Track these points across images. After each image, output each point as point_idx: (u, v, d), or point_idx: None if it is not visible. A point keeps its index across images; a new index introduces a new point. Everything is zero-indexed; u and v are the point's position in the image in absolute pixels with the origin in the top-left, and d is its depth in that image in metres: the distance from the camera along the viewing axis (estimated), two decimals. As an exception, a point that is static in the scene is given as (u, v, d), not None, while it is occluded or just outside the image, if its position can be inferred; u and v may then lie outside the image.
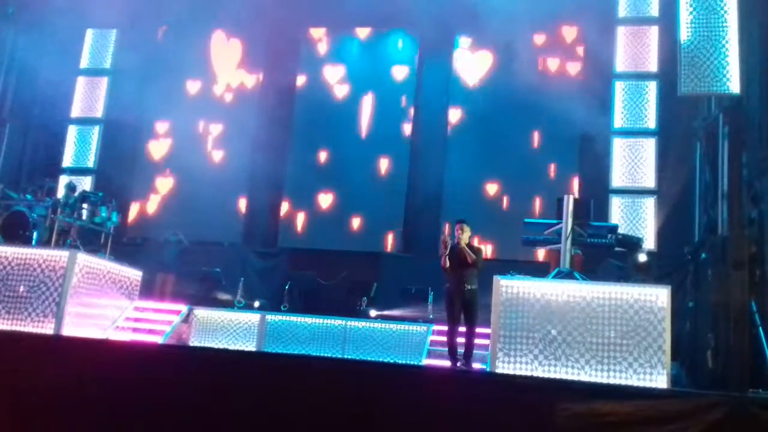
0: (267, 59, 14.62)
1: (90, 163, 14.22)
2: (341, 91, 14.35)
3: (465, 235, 8.04)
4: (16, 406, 6.73)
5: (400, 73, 14.21)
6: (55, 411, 6.68)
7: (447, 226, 8.08)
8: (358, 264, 12.52)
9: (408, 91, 14.04)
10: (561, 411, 6.14)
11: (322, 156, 14.04)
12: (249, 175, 14.00)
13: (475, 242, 8.52)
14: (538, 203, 12.76)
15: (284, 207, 14.04)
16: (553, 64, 13.43)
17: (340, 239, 13.35)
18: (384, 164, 13.75)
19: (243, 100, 14.52)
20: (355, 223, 13.58)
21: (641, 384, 7.23)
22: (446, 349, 8.18)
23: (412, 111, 13.92)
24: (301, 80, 14.57)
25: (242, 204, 14.08)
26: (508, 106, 13.13)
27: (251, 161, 13.89)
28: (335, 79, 14.41)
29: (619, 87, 12.32)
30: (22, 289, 9.11)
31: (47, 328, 8.84)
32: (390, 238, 13.36)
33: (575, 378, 7.38)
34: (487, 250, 12.34)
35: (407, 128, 13.85)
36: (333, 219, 13.63)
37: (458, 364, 7.93)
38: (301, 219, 13.91)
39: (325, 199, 13.84)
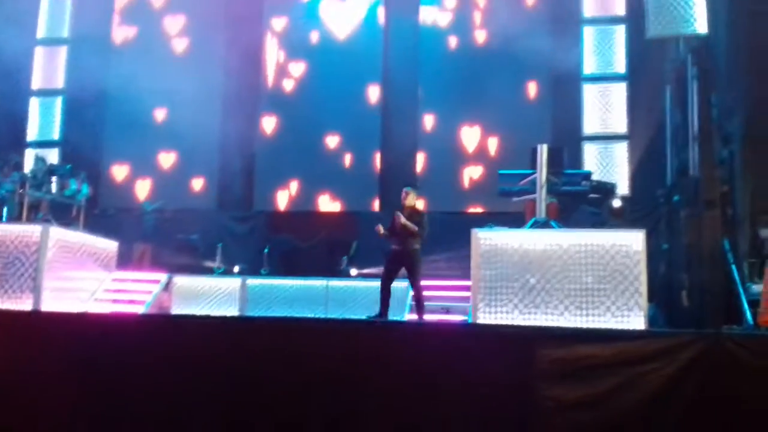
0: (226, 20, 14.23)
1: (55, 135, 13.89)
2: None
3: (409, 200, 8.37)
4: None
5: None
6: (38, 386, 6.67)
7: (380, 227, 8.35)
8: (336, 224, 12.51)
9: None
10: (543, 356, 6.29)
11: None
12: (220, 138, 13.79)
13: (420, 206, 8.66)
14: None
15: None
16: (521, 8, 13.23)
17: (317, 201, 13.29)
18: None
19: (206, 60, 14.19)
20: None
21: (619, 326, 7.38)
22: (426, 303, 8.30)
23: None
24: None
25: (215, 168, 13.87)
26: (478, 55, 12.97)
27: (222, 123, 13.67)
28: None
29: (588, 32, 12.26)
30: (-4, 266, 8.96)
31: (25, 305, 8.73)
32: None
33: (555, 324, 7.51)
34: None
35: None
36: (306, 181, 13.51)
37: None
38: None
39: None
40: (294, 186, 13.61)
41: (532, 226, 8.23)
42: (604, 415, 6.08)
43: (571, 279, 7.68)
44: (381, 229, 8.34)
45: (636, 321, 7.44)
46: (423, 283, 9.42)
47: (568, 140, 11.48)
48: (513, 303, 7.78)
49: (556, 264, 7.72)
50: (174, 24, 14.40)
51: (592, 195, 9.03)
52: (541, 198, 8.35)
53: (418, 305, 8.29)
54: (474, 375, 6.25)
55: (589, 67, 12.20)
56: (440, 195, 12.81)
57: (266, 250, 11.70)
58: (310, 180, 13.50)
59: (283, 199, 13.66)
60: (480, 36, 13.05)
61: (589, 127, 12.13)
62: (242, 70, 13.95)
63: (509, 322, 7.61)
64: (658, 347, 6.20)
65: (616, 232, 7.89)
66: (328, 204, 13.41)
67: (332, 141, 13.62)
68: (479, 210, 12.55)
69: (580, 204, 9.98)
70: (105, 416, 6.52)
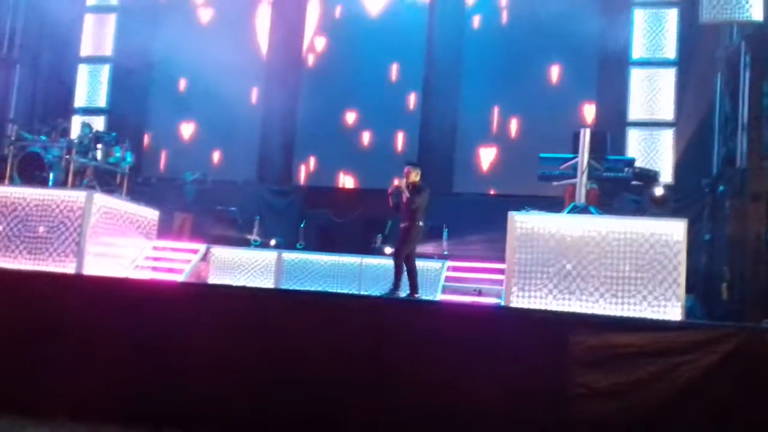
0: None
1: (102, 102, 14.16)
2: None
3: (412, 177, 8.50)
4: (41, 343, 6.92)
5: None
6: (79, 348, 6.87)
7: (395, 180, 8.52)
8: (372, 201, 12.51)
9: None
10: (576, 344, 6.23)
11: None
12: (263, 111, 13.88)
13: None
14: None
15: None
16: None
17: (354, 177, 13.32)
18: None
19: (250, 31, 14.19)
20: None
21: (656, 317, 7.28)
22: (459, 284, 8.29)
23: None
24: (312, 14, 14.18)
25: (257, 140, 13.96)
26: (525, 34, 12.73)
27: (265, 96, 13.74)
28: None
29: (639, 15, 11.93)
30: (41, 229, 9.21)
31: (68, 268, 8.99)
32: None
33: (590, 311, 7.44)
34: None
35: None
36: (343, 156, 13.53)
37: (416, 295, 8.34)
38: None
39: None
40: (328, 162, 13.63)
41: (570, 212, 8.13)
42: (637, 404, 6.01)
43: (608, 266, 7.59)
44: (397, 181, 8.55)
45: (673, 312, 7.33)
46: (456, 264, 9.44)
47: (612, 125, 11.25)
48: (547, 288, 7.73)
49: (594, 251, 7.63)
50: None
51: (634, 182, 8.87)
52: (582, 183, 8.23)
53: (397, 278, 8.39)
54: (505, 359, 6.24)
55: (638, 51, 11.89)
56: (477, 176, 12.73)
57: (302, 225, 11.79)
58: (345, 158, 13.52)
59: (323, 176, 13.71)
60: (526, 16, 12.77)
61: (634, 112, 11.86)
62: (284, 43, 13.94)
63: (543, 307, 7.57)
64: (694, 339, 6.09)
65: (656, 220, 7.77)
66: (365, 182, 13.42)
67: (364, 120, 13.57)
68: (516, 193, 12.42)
69: (622, 191, 9.82)
70: (142, 380, 6.68)
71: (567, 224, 7.80)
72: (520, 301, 7.78)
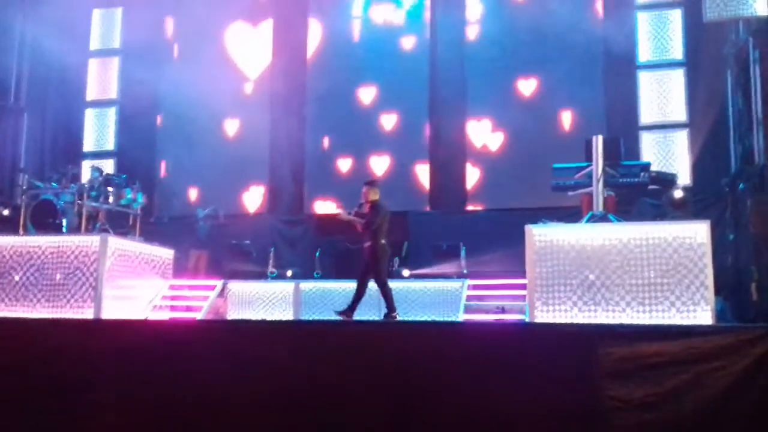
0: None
1: (110, 145, 14.26)
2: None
3: (370, 196, 8.58)
4: (64, 389, 6.86)
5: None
6: (103, 392, 6.81)
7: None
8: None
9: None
10: (605, 355, 6.07)
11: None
12: (270, 143, 13.90)
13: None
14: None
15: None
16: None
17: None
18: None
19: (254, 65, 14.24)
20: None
21: (685, 322, 7.10)
22: (481, 303, 8.16)
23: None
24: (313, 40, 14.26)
25: (266, 171, 13.95)
26: (525, 43, 12.67)
27: (271, 127, 13.77)
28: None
29: (642, 18, 11.87)
30: (58, 276, 9.22)
31: (87, 313, 8.96)
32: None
33: (617, 321, 7.27)
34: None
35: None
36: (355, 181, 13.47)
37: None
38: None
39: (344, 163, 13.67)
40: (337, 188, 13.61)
41: (589, 221, 8.00)
42: (671, 414, 5.83)
43: (632, 274, 7.44)
44: (342, 213, 8.78)
45: (703, 316, 7.16)
46: (476, 282, 9.30)
47: (624, 130, 11.13)
48: (572, 300, 7.58)
49: (616, 259, 7.50)
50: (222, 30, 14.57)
51: (651, 186, 8.72)
52: (598, 191, 8.10)
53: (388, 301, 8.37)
54: (533, 375, 6.08)
55: (644, 54, 11.81)
56: (492, 192, 12.62)
57: (318, 254, 11.71)
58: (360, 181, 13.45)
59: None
60: (529, 22, 12.72)
61: (646, 116, 11.74)
62: (289, 72, 13.98)
63: (568, 321, 7.41)
64: (726, 343, 5.92)
65: (678, 223, 7.63)
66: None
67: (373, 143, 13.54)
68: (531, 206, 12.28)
69: (640, 196, 9.69)
70: (165, 423, 6.58)
71: (587, 234, 7.66)
72: (544, 315, 7.63)
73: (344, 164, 13.74)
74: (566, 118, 12.37)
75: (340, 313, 8.39)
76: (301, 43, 14.15)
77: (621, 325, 6.93)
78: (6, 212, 12.30)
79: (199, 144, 14.05)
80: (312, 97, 13.96)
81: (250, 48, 14.44)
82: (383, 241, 8.47)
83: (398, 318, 8.29)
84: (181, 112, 14.20)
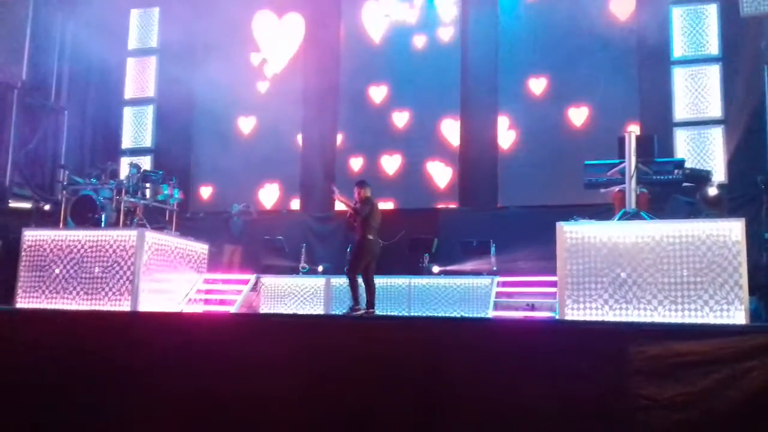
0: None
1: (147, 142, 14.55)
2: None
3: (362, 194, 8.86)
4: (100, 382, 7.04)
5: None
6: (138, 384, 6.97)
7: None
8: (416, 221, 12.48)
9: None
10: (636, 354, 6.02)
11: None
12: (302, 138, 14.03)
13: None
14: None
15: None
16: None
17: (398, 198, 13.32)
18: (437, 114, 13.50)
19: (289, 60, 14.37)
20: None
21: (718, 322, 7.01)
22: (510, 300, 8.16)
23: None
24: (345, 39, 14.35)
25: (298, 168, 14.10)
26: (561, 38, 12.56)
27: (303, 124, 13.90)
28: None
29: (677, 13, 11.69)
30: (97, 270, 9.46)
31: (124, 306, 9.19)
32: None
33: (648, 320, 7.21)
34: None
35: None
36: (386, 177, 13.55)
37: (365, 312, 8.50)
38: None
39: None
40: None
41: (621, 218, 7.94)
42: (703, 415, 5.75)
43: (664, 272, 7.37)
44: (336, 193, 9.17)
45: (736, 315, 7.07)
46: (506, 279, 9.31)
47: (658, 127, 10.99)
48: (603, 299, 7.55)
49: (649, 257, 7.43)
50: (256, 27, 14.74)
51: (685, 184, 8.62)
52: (631, 188, 8.03)
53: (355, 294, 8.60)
54: (563, 373, 6.06)
55: (679, 49, 11.63)
56: (522, 188, 12.56)
57: (348, 249, 11.80)
58: (392, 177, 13.53)
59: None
60: (562, 18, 12.61)
61: (680, 112, 11.57)
62: (321, 70, 14.09)
63: (599, 319, 7.37)
64: (760, 343, 5.82)
65: (712, 221, 7.52)
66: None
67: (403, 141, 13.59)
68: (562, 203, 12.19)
69: (673, 194, 9.56)
70: (199, 415, 6.72)
71: (619, 231, 7.61)
72: (574, 313, 7.60)
73: (356, 162, 13.83)
74: (598, 115, 12.23)
75: (364, 312, 8.48)
76: (333, 39, 14.23)
77: (653, 324, 6.87)
78: (47, 207, 12.69)
79: (231, 140, 14.26)
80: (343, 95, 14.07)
81: (280, 44, 14.57)
82: (371, 237, 8.70)
83: (360, 313, 8.52)
84: (214, 110, 14.45)
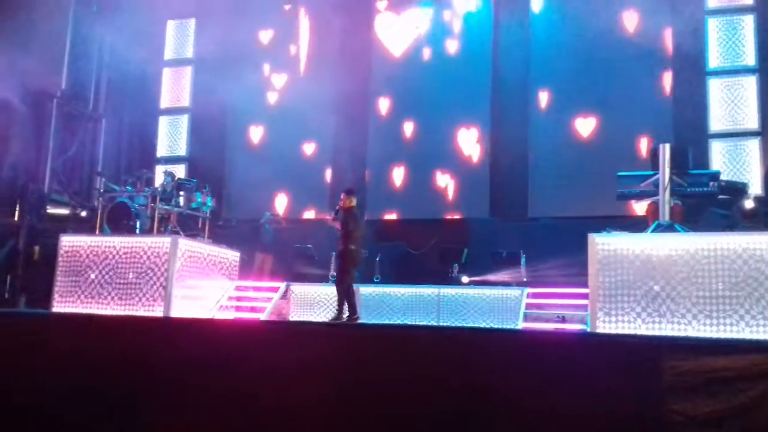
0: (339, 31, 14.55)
1: (182, 151, 14.79)
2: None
3: (347, 203, 8.97)
4: (132, 385, 7.15)
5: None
6: (170, 389, 7.06)
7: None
8: (446, 231, 12.46)
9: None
10: (669, 369, 5.93)
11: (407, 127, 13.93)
12: (333, 148, 14.13)
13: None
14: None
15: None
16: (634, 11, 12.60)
17: (427, 208, 13.32)
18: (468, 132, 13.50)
19: (320, 71, 14.55)
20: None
21: (755, 337, 6.87)
22: (540, 311, 8.09)
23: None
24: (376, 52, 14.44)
25: (328, 177, 14.22)
26: (593, 49, 12.51)
27: (335, 134, 14.00)
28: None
29: (712, 24, 11.54)
30: (131, 275, 9.62)
31: (157, 311, 9.32)
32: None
33: (682, 334, 7.10)
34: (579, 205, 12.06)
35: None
36: (415, 187, 13.57)
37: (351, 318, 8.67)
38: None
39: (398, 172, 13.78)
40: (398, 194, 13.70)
41: (654, 230, 7.84)
42: (737, 431, 5.64)
43: (699, 286, 7.27)
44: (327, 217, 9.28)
45: (774, 331, 6.91)
46: (536, 290, 9.26)
47: (692, 138, 10.84)
48: (635, 312, 7.45)
49: (683, 270, 7.33)
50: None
51: (721, 196, 8.49)
52: (665, 200, 7.94)
53: (340, 305, 8.74)
54: (594, 387, 5.99)
55: (714, 60, 11.47)
56: (552, 198, 12.48)
57: (378, 258, 11.84)
58: (420, 187, 13.54)
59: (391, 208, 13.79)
60: (595, 29, 12.54)
61: (715, 123, 11.39)
62: (352, 77, 14.19)
63: (631, 332, 7.28)
64: (799, 359, 5.68)
65: (749, 234, 7.39)
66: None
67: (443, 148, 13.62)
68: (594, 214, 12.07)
69: (708, 206, 9.42)
70: (229, 421, 6.78)
71: (652, 243, 7.53)
72: (606, 326, 7.52)
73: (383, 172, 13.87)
74: (632, 125, 12.08)
75: (347, 320, 8.64)
76: (366, 49, 14.33)
77: (687, 338, 6.77)
78: (84, 214, 12.97)
79: (268, 151, 14.40)
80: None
81: (314, 55, 14.72)
82: (353, 247, 8.79)
83: (359, 321, 8.75)
84: (249, 120, 14.63)
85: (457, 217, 13.05)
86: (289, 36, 14.89)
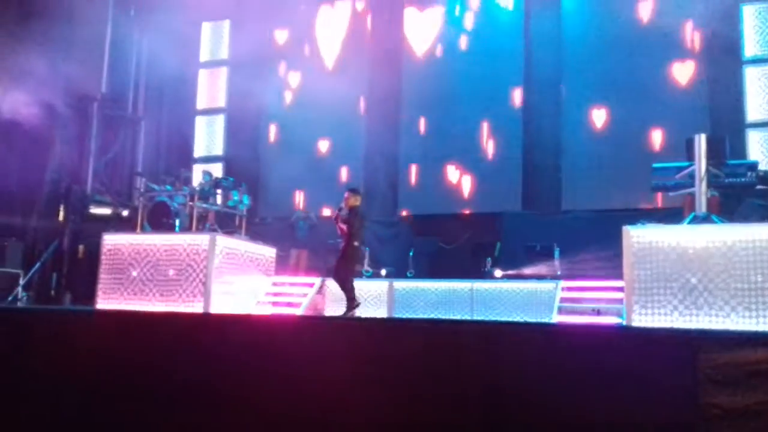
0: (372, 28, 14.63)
1: (218, 150, 15.06)
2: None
3: (351, 202, 9.14)
4: (172, 380, 7.34)
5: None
6: (212, 383, 7.24)
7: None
8: (479, 225, 12.47)
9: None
10: (707, 362, 5.88)
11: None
12: (365, 144, 14.23)
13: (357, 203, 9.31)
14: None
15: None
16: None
17: (459, 202, 13.34)
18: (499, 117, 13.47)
19: (349, 70, 14.66)
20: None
21: (795, 329, 6.77)
22: (575, 305, 8.06)
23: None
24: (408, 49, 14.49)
25: (359, 174, 14.33)
26: (627, 41, 12.35)
27: (367, 130, 14.10)
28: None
29: (748, 12, 11.30)
30: (171, 272, 9.84)
31: (196, 307, 9.53)
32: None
33: (720, 327, 7.02)
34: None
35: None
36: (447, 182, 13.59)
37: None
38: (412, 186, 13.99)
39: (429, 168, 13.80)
40: (432, 189, 13.74)
41: (691, 222, 7.76)
42: (779, 425, 5.57)
43: (737, 278, 7.17)
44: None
45: (816, 323, 6.79)
46: (570, 283, 9.23)
47: (729, 128, 10.65)
48: (672, 304, 7.39)
49: (720, 262, 7.24)
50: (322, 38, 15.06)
51: (759, 186, 8.33)
52: (701, 191, 7.84)
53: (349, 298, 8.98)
54: (630, 381, 5.96)
55: (750, 48, 11.24)
56: (586, 190, 12.39)
57: (411, 253, 11.90)
58: (453, 182, 13.57)
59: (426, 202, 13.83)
60: (630, 17, 12.40)
61: (753, 113, 11.17)
62: (384, 75, 14.25)
63: (668, 325, 7.22)
64: (840, 351, 5.58)
65: (788, 225, 7.26)
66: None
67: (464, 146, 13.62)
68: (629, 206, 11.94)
69: (746, 197, 9.26)
70: (269, 415, 6.92)
71: (689, 235, 7.45)
72: (642, 319, 7.47)
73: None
74: (667, 116, 11.91)
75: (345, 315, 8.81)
76: (398, 52, 14.39)
77: (725, 331, 6.68)
78: (125, 213, 13.32)
79: (301, 149, 14.57)
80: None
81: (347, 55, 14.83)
82: (356, 244, 9.04)
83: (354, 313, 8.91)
84: (283, 119, 14.82)
85: (489, 211, 13.04)
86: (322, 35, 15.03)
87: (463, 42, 13.87)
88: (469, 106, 13.53)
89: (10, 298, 11.54)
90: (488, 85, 13.40)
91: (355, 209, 9.15)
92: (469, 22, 13.89)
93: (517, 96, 13.32)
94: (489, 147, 13.40)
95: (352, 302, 8.99)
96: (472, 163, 13.48)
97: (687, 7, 11.95)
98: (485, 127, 13.43)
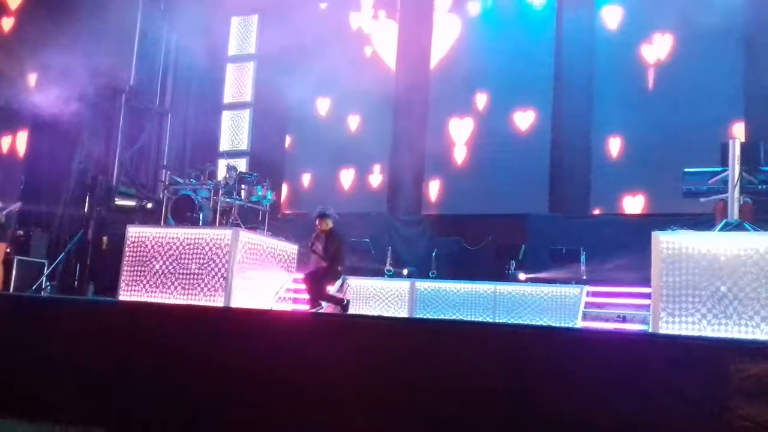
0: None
1: (244, 145, 15.09)
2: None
3: (323, 226, 9.27)
4: (192, 373, 7.33)
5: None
6: (228, 379, 7.22)
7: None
8: (503, 226, 12.31)
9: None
10: (736, 373, 5.69)
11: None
12: (391, 143, 14.15)
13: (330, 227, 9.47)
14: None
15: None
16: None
17: (482, 203, 13.19)
18: (526, 118, 13.29)
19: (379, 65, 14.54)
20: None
21: (830, 342, 6.53)
22: (600, 310, 7.92)
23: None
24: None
25: (383, 172, 14.24)
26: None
27: (393, 127, 14.01)
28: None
29: None
30: (193, 266, 9.88)
31: (217, 301, 9.55)
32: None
33: (750, 337, 6.82)
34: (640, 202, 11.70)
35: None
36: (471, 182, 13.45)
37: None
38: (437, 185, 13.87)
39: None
40: (457, 189, 13.60)
41: (722, 229, 7.55)
42: (812, 440, 5.38)
43: (769, 287, 6.95)
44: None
45: None
46: (596, 288, 9.10)
47: (764, 133, 10.34)
48: (700, 313, 7.20)
49: (752, 270, 7.04)
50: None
51: (795, 194, 8.10)
52: (734, 198, 7.63)
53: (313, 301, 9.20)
54: (656, 391, 5.77)
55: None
56: (611, 195, 12.17)
57: (434, 253, 11.81)
58: (477, 181, 13.41)
59: (449, 201, 13.70)
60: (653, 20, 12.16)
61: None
62: (411, 72, 14.14)
63: (696, 334, 7.04)
64: None
65: (824, 235, 7.03)
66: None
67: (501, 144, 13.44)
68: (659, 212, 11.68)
69: (781, 204, 8.99)
70: (288, 411, 6.88)
71: (720, 243, 7.25)
72: (669, 327, 7.30)
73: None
74: (700, 116, 11.57)
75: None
76: (425, 50, 14.27)
77: (755, 341, 6.47)
78: (150, 205, 13.42)
79: (328, 145, 14.50)
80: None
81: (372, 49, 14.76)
82: (336, 267, 9.20)
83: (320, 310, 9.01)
84: (309, 114, 14.80)
85: (514, 212, 12.85)
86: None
87: (492, 40, 13.70)
88: (494, 104, 13.37)
89: (34, 288, 11.68)
90: (517, 83, 13.21)
91: (332, 233, 9.21)
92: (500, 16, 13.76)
93: (546, 94, 13.10)
94: (516, 147, 13.20)
95: (340, 302, 9.17)
96: (498, 164, 13.28)
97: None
98: (511, 119, 13.25)
